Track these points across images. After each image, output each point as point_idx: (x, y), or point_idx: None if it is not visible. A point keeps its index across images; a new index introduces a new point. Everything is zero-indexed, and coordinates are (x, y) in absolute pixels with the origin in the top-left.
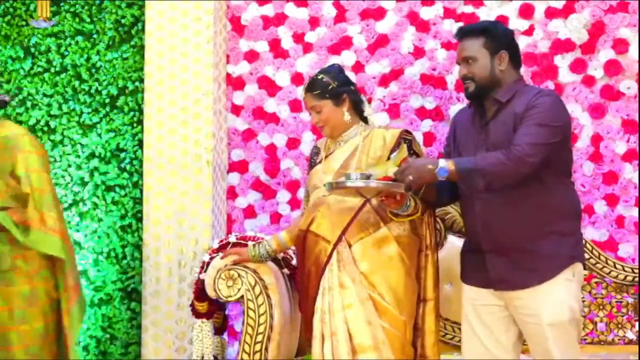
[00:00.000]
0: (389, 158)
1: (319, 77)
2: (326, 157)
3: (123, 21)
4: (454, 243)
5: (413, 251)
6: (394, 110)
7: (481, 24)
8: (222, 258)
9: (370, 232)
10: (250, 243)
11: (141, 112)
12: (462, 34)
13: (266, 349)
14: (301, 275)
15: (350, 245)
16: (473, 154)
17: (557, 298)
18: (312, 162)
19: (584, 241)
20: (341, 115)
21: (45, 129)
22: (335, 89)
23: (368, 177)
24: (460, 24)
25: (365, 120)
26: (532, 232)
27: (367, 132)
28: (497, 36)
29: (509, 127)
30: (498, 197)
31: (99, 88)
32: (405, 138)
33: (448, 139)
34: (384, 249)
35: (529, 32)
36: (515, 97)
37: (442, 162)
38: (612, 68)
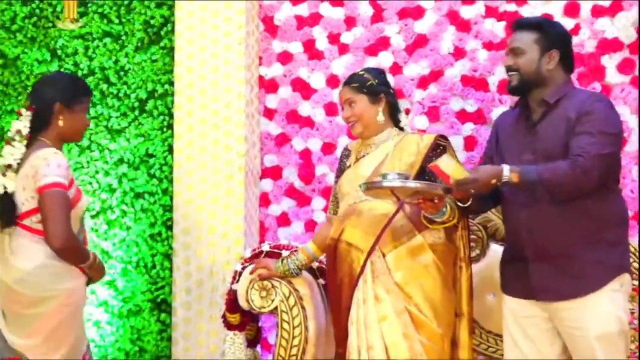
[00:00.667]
0: (422, 166)
1: (360, 72)
2: (356, 161)
3: (152, 22)
4: (497, 252)
5: (449, 260)
6: (433, 114)
7: (539, 19)
8: (250, 273)
9: (404, 241)
10: (284, 252)
11: (171, 116)
12: (517, 26)
13: None
14: (333, 286)
15: (384, 255)
16: (518, 158)
17: (605, 309)
18: (341, 165)
19: (632, 249)
20: (375, 114)
21: None
22: (374, 86)
23: (406, 177)
24: (503, 23)
25: (400, 127)
26: (579, 239)
27: (400, 137)
28: (552, 34)
29: (559, 131)
30: (545, 203)
31: (128, 91)
32: (440, 143)
33: (490, 142)
34: (419, 258)
35: (574, 31)
36: (564, 100)
37: (506, 173)
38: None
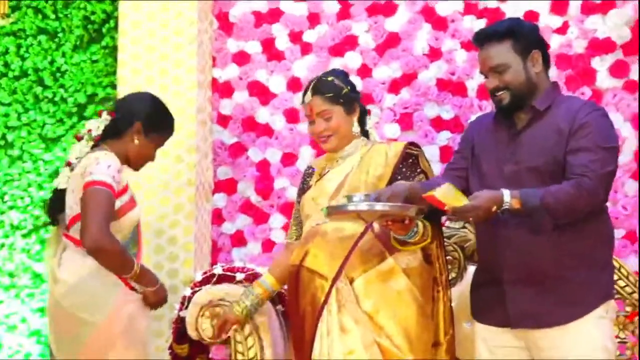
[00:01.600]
0: (392, 178)
1: (329, 78)
2: (319, 178)
3: (93, 18)
4: None
5: (426, 283)
6: (405, 121)
7: (503, 25)
8: (217, 330)
9: (373, 265)
10: (238, 275)
11: None
12: (484, 40)
13: None
14: (295, 317)
15: (351, 281)
16: (498, 168)
17: (590, 338)
18: (304, 184)
19: (625, 272)
20: (350, 126)
21: (2, 142)
22: (349, 94)
23: (376, 198)
24: (483, 21)
25: (366, 134)
26: (566, 260)
27: (367, 147)
28: (524, 34)
29: (548, 142)
30: (529, 220)
31: (65, 95)
32: (410, 152)
33: (460, 151)
34: (390, 283)
35: (562, 30)
36: (554, 107)
37: (507, 199)
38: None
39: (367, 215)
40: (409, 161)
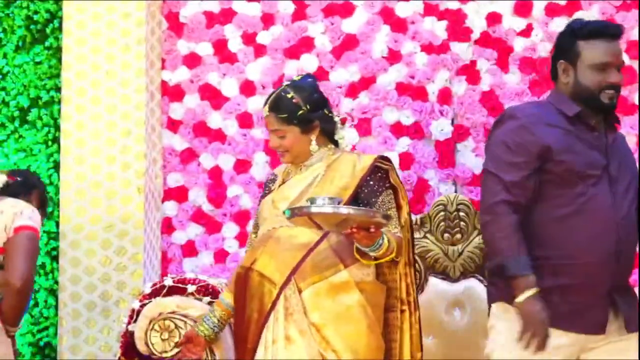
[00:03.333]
0: (357, 191)
1: (288, 94)
2: (282, 183)
3: (36, 18)
4: (437, 286)
5: (378, 302)
6: (364, 126)
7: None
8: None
9: (326, 276)
10: (189, 288)
11: (57, 128)
12: (619, 33)
13: None
14: (239, 322)
15: (300, 291)
16: (598, 172)
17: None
18: (265, 190)
19: None
20: (307, 144)
21: None
22: (306, 114)
23: (339, 202)
24: (444, 22)
25: (335, 143)
26: None
27: (334, 157)
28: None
29: (629, 162)
30: (633, 225)
31: (7, 99)
32: (380, 166)
33: (533, 153)
34: (342, 297)
35: (526, 32)
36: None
37: None
38: (626, 76)
39: (330, 218)
40: (378, 175)
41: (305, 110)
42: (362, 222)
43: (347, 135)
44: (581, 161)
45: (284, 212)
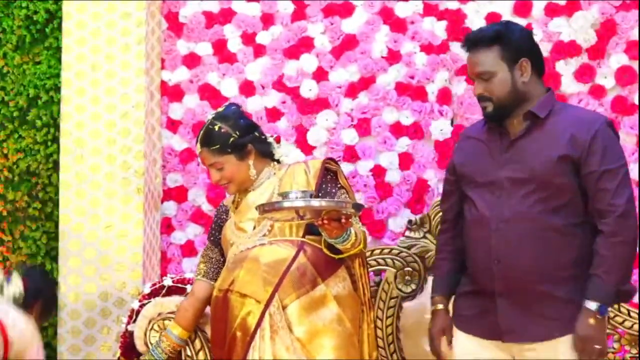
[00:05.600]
0: (317, 193)
1: (215, 127)
2: (237, 207)
3: (35, 17)
4: None
5: (355, 314)
6: (363, 127)
7: (493, 29)
8: None
9: (307, 290)
10: (189, 288)
11: (57, 127)
12: (470, 44)
13: None
14: (220, 344)
15: (284, 307)
16: (488, 179)
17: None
18: (218, 222)
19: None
20: (247, 169)
21: None
22: (238, 140)
23: (310, 195)
24: (443, 23)
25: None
26: (556, 273)
27: (283, 170)
28: (514, 41)
29: (552, 151)
30: (518, 230)
31: (6, 98)
32: (329, 168)
33: (450, 170)
34: (322, 311)
35: None
36: (553, 115)
37: (591, 307)
38: (625, 76)
39: (303, 212)
40: (328, 177)
41: (235, 137)
42: (334, 213)
43: (286, 151)
44: (473, 169)
45: (255, 208)
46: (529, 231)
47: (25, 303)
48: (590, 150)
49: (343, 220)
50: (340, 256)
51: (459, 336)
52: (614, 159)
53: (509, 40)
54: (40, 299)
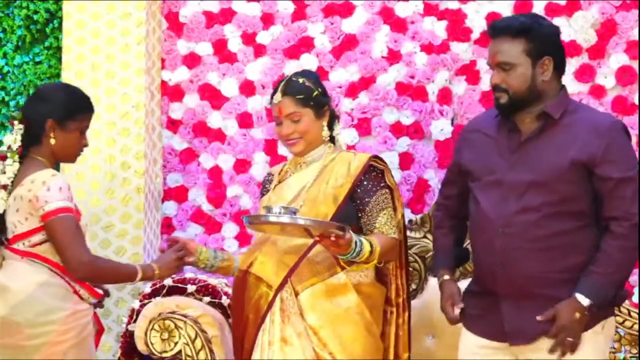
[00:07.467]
0: (352, 189)
1: (300, 80)
2: (278, 184)
3: (36, 17)
4: (436, 287)
5: (377, 303)
6: (363, 126)
7: (523, 20)
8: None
9: (323, 277)
10: (189, 287)
11: None
12: (497, 32)
13: None
14: (237, 324)
15: (297, 293)
16: (496, 178)
17: (583, 354)
18: (263, 191)
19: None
20: (320, 130)
21: None
22: (320, 97)
23: (294, 212)
24: (444, 22)
25: (333, 140)
26: (561, 277)
27: (332, 156)
28: (542, 38)
29: (564, 156)
30: (524, 233)
31: (6, 98)
32: (374, 166)
33: (455, 162)
34: (339, 299)
35: None
36: (567, 116)
37: (585, 304)
38: (626, 76)
39: (288, 228)
40: (372, 174)
41: (318, 93)
42: (319, 232)
43: (344, 135)
44: (480, 166)
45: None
46: (534, 236)
47: (36, 138)
48: (605, 157)
49: (332, 238)
50: (360, 267)
51: (465, 335)
52: (630, 166)
53: (536, 35)
54: (47, 119)
